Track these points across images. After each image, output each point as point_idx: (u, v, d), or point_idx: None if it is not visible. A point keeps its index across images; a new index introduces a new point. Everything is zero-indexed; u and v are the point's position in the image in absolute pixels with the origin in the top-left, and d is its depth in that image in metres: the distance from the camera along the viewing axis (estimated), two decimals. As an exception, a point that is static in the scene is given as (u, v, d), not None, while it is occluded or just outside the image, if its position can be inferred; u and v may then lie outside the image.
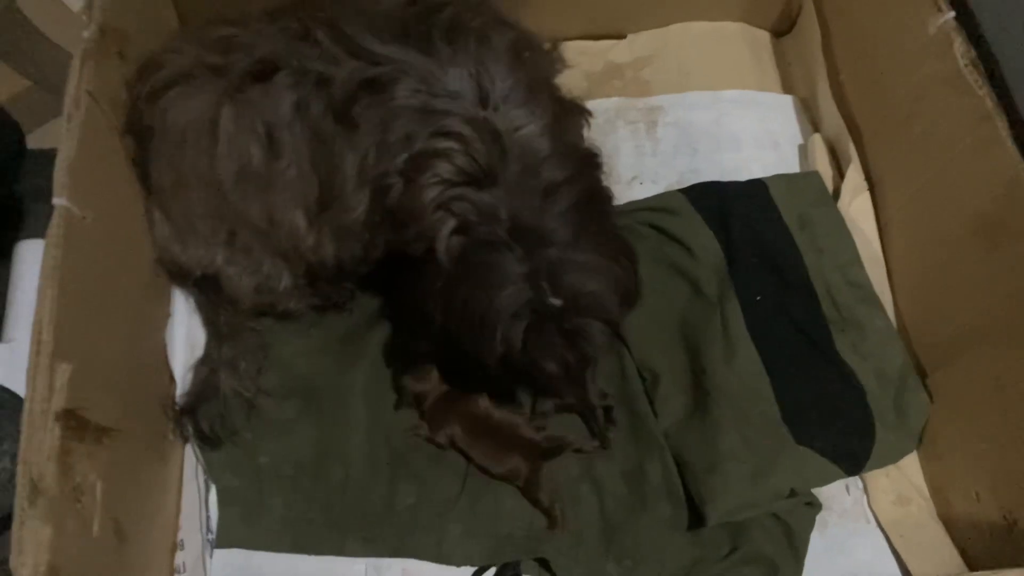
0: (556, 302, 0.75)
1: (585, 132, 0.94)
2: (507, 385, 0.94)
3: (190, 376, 0.97)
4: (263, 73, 0.82)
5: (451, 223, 0.76)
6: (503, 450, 0.95)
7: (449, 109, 0.77)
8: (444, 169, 0.76)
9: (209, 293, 0.98)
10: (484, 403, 0.97)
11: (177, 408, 0.96)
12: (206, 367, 0.97)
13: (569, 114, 0.89)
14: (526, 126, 0.77)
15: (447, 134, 0.76)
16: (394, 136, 0.78)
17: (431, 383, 0.98)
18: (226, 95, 0.83)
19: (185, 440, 0.97)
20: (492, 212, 0.75)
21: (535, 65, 0.85)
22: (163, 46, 0.91)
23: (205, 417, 0.95)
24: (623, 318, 0.81)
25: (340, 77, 0.79)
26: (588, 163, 0.83)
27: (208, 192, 0.87)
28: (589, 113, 0.94)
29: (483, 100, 0.78)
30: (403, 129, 0.77)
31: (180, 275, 0.97)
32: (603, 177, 0.86)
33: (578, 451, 0.96)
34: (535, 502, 0.94)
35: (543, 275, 0.74)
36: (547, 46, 0.92)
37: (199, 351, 0.99)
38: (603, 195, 0.84)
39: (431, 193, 0.76)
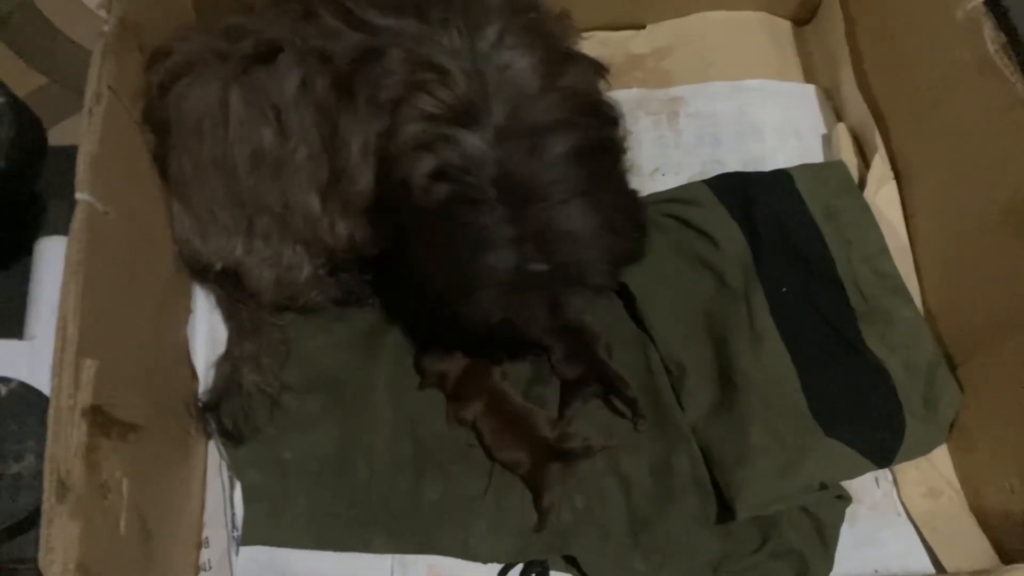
0: (541, 267, 0.71)
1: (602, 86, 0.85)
2: (489, 348, 0.92)
3: (212, 372, 0.97)
4: (266, 55, 0.81)
5: (429, 162, 0.71)
6: (512, 437, 0.94)
7: (436, 61, 0.73)
8: (425, 101, 0.71)
9: (230, 289, 0.97)
10: (506, 385, 0.96)
11: (200, 405, 0.95)
12: (228, 363, 0.97)
13: (573, 62, 0.81)
14: (514, 65, 0.72)
15: (429, 65, 0.72)
16: (384, 94, 0.74)
17: (452, 362, 0.97)
18: (232, 78, 0.82)
19: (208, 437, 0.96)
20: (477, 157, 0.69)
21: (538, 22, 0.79)
22: (171, 36, 0.91)
23: (228, 413, 0.94)
24: (613, 282, 0.79)
25: (341, 52, 0.77)
26: (591, 111, 0.77)
27: (226, 179, 0.86)
28: (605, 68, 0.85)
29: (472, 51, 0.73)
30: (392, 84, 0.74)
31: (201, 270, 0.96)
32: (616, 133, 0.79)
33: (602, 449, 0.95)
34: (535, 497, 0.93)
35: (529, 238, 0.70)
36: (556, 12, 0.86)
37: (221, 347, 0.98)
38: (606, 145, 0.78)
39: (412, 129, 0.72)
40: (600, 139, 0.76)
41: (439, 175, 0.71)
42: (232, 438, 0.94)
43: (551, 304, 0.75)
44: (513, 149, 0.69)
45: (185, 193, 0.90)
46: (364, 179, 0.78)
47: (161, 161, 0.90)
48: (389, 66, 0.74)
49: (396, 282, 0.93)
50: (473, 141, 0.70)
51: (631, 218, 0.77)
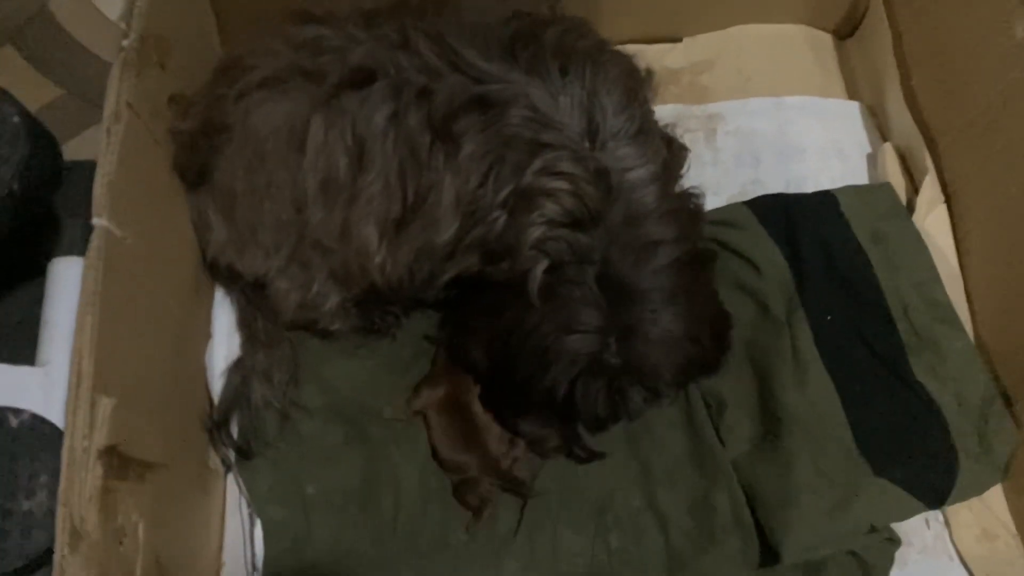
0: (616, 361, 0.76)
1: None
2: (540, 420, 0.90)
3: (222, 382, 0.94)
4: (360, 82, 0.79)
5: (544, 263, 0.75)
6: (462, 442, 0.91)
7: (558, 143, 0.74)
8: (551, 210, 0.74)
9: (251, 296, 0.95)
10: (472, 397, 0.94)
11: (210, 421, 0.92)
12: (239, 374, 0.93)
13: (676, 157, 0.86)
14: (635, 169, 0.76)
15: (557, 173, 0.74)
16: (504, 167, 0.75)
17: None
18: (320, 103, 0.80)
19: (227, 469, 0.92)
20: (586, 254, 0.74)
21: (644, 98, 0.83)
22: (248, 46, 0.87)
23: (237, 427, 0.92)
24: (677, 390, 0.84)
25: (442, 91, 0.76)
26: (693, 219, 0.82)
27: (282, 204, 0.83)
28: (688, 150, 0.92)
29: (592, 135, 0.75)
30: (514, 159, 0.74)
31: (230, 280, 0.94)
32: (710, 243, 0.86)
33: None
34: (462, 500, 0.90)
35: (614, 331, 0.75)
36: (642, 72, 0.89)
37: (239, 374, 0.95)
38: (705, 256, 0.83)
39: (535, 233, 0.74)
40: (700, 252, 0.82)
41: (550, 270, 0.75)
42: (242, 453, 0.91)
43: (616, 396, 0.78)
44: (622, 253, 0.74)
45: (228, 205, 0.88)
46: (449, 230, 0.79)
47: (201, 165, 0.87)
48: (507, 133, 0.75)
49: (461, 330, 0.93)
50: (585, 240, 0.74)
51: (715, 330, 0.81)
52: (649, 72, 0.89)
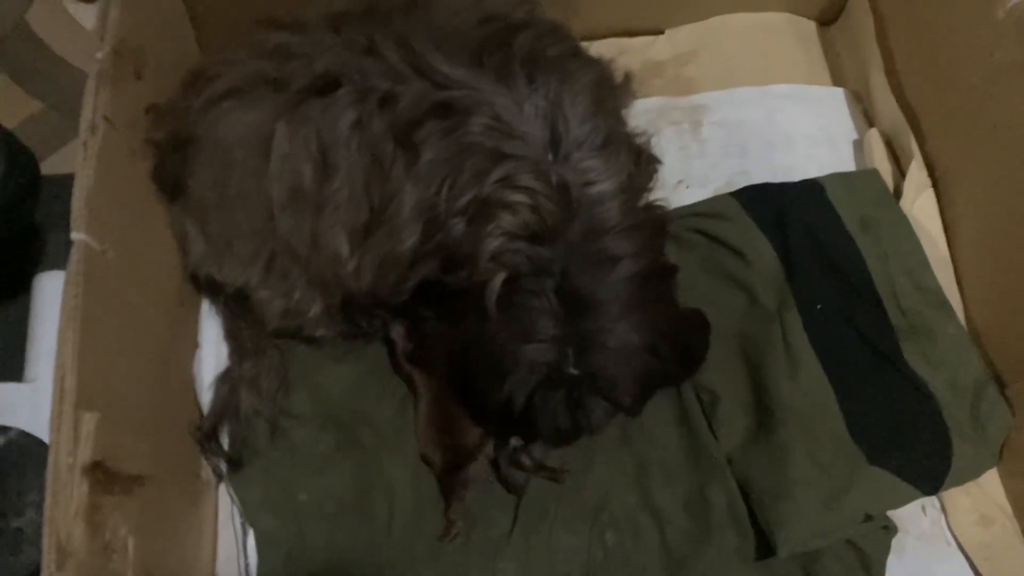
0: (573, 372, 0.75)
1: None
2: (502, 429, 0.90)
3: (211, 393, 0.93)
4: (324, 88, 0.78)
5: (502, 275, 0.74)
6: (441, 428, 0.91)
7: (519, 153, 0.73)
8: (509, 222, 0.73)
9: (236, 308, 0.94)
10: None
11: (200, 432, 0.91)
12: (227, 385, 0.93)
13: (644, 170, 0.85)
14: (597, 183, 0.75)
15: (516, 187, 0.73)
16: (464, 175, 0.74)
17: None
18: (283, 110, 0.79)
19: (219, 479, 0.92)
20: (545, 266, 0.73)
21: (613, 107, 0.82)
22: (216, 55, 0.87)
23: (228, 437, 0.91)
24: (638, 404, 0.82)
25: (406, 97, 0.75)
26: (655, 234, 0.81)
27: (253, 213, 0.82)
28: (659, 162, 0.91)
29: (555, 146, 0.74)
30: (474, 168, 0.73)
31: (212, 291, 0.94)
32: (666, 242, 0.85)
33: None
34: (445, 488, 0.90)
35: (572, 342, 0.74)
36: (620, 78, 0.88)
37: (228, 383, 0.94)
38: (665, 270, 0.82)
39: (492, 244, 0.74)
40: (661, 266, 0.82)
41: (508, 281, 0.74)
42: (233, 463, 0.91)
43: (576, 408, 0.78)
44: (581, 266, 0.73)
45: (203, 218, 0.87)
46: (410, 239, 0.78)
47: (175, 177, 0.86)
48: (468, 141, 0.74)
49: (421, 338, 0.93)
50: (545, 253, 0.73)
51: (675, 344, 0.80)
52: (628, 76, 0.88)
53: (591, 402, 0.77)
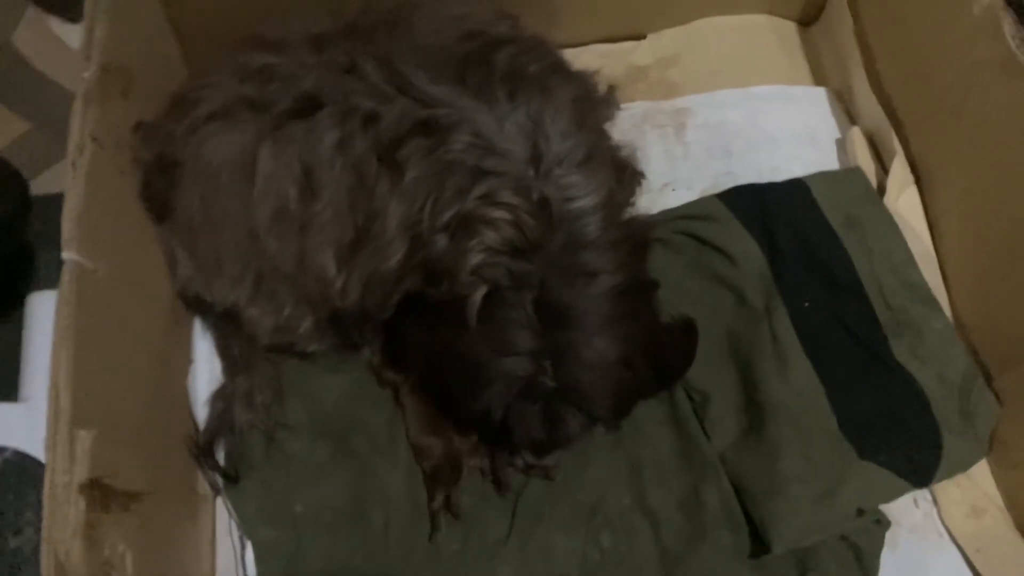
0: (551, 384, 0.74)
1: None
2: (482, 437, 0.91)
3: (206, 410, 0.93)
4: (306, 109, 0.78)
5: (483, 289, 0.74)
6: (429, 425, 0.91)
7: (501, 170, 0.73)
8: (491, 238, 0.73)
9: (226, 327, 0.94)
10: None
11: (196, 448, 0.91)
12: (221, 400, 0.93)
13: (626, 185, 0.85)
14: (578, 199, 0.74)
15: (497, 203, 0.73)
16: (446, 192, 0.74)
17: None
18: (267, 132, 0.79)
19: (216, 493, 0.92)
20: (525, 279, 0.73)
21: (595, 122, 0.82)
22: (199, 78, 0.87)
23: (223, 452, 0.91)
24: (613, 418, 0.81)
25: (388, 116, 0.75)
26: (637, 249, 0.81)
27: (239, 234, 0.83)
28: (642, 175, 0.91)
29: (536, 162, 0.74)
30: (455, 186, 0.74)
31: (201, 310, 0.94)
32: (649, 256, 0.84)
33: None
34: (431, 486, 0.91)
35: (549, 355, 0.73)
36: (603, 91, 0.89)
37: (219, 388, 0.95)
38: (645, 285, 0.82)
39: (473, 259, 0.73)
40: (641, 280, 0.80)
41: (488, 295, 0.74)
42: (229, 478, 0.91)
43: (552, 420, 0.77)
44: (560, 280, 0.73)
45: (190, 240, 0.88)
46: (396, 256, 0.78)
47: (162, 198, 0.87)
48: (449, 159, 0.74)
49: (398, 343, 0.92)
50: (524, 266, 0.73)
51: (653, 358, 0.79)
52: (611, 88, 0.89)
53: (567, 414, 0.77)
